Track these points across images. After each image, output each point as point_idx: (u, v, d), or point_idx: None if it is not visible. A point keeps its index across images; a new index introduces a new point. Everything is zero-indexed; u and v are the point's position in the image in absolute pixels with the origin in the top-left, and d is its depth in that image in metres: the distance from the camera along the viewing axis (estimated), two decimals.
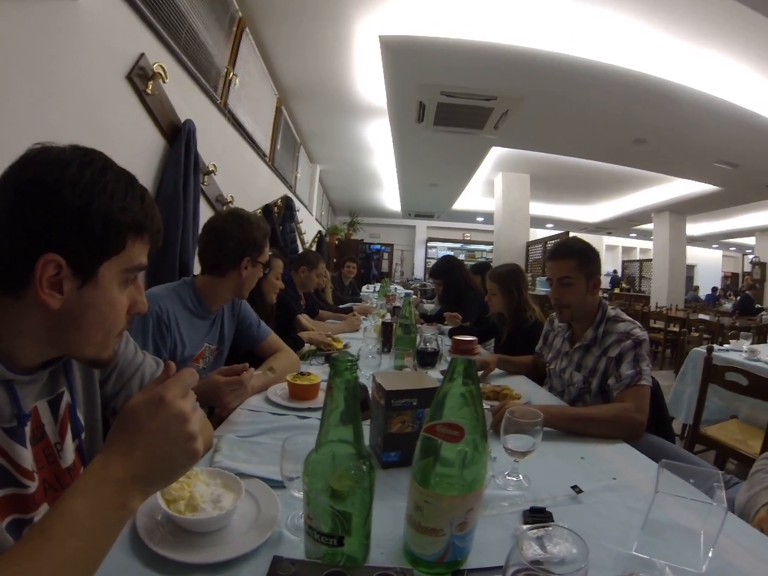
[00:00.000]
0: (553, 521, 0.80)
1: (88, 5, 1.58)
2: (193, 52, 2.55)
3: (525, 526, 0.78)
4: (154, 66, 2.02)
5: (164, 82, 2.11)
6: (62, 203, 0.59)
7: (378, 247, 15.80)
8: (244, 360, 1.58)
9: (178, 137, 2.29)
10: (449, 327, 3.08)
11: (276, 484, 0.85)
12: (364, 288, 7.79)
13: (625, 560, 0.72)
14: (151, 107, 2.07)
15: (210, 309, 1.55)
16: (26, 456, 0.64)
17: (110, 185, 0.62)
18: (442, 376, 1.57)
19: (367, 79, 4.46)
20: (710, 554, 0.71)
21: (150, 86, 2.01)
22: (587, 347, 1.61)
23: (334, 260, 9.46)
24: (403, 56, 3.78)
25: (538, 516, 0.81)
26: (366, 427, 1.12)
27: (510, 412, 0.98)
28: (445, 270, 3.42)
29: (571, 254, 1.60)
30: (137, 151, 2.08)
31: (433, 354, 1.90)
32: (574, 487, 0.93)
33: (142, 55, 1.96)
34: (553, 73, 3.92)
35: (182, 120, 2.33)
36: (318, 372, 1.73)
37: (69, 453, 0.73)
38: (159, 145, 2.24)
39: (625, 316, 1.59)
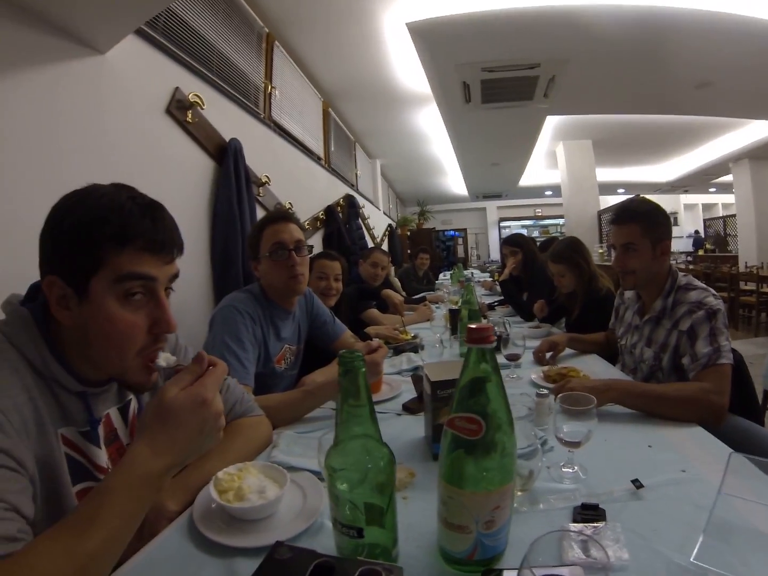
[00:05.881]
0: (605, 520, 0.72)
1: (116, 55, 1.68)
2: (227, 75, 2.64)
3: (572, 525, 0.72)
4: (190, 96, 2.12)
5: (202, 108, 2.21)
6: (59, 228, 0.66)
7: (452, 233, 15.56)
8: (322, 359, 1.58)
9: (226, 156, 2.39)
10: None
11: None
12: (441, 276, 7.74)
13: (679, 572, 0.62)
14: (194, 134, 2.19)
15: (282, 306, 1.54)
16: (101, 455, 0.75)
17: (89, 201, 0.67)
18: (506, 361, 1.53)
19: (406, 68, 4.36)
20: None
21: (189, 115, 2.12)
22: (657, 319, 1.49)
23: (408, 251, 9.45)
24: (433, 39, 3.66)
25: (589, 514, 0.74)
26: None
27: (562, 398, 0.91)
28: (522, 241, 3.30)
29: (634, 219, 1.47)
30: (189, 177, 2.20)
31: (497, 338, 1.81)
32: (635, 481, 0.84)
33: (177, 88, 2.06)
34: (594, 28, 3.55)
35: (227, 139, 2.44)
36: (385, 365, 1.72)
37: None
38: (209, 167, 2.36)
39: (697, 282, 1.45)
